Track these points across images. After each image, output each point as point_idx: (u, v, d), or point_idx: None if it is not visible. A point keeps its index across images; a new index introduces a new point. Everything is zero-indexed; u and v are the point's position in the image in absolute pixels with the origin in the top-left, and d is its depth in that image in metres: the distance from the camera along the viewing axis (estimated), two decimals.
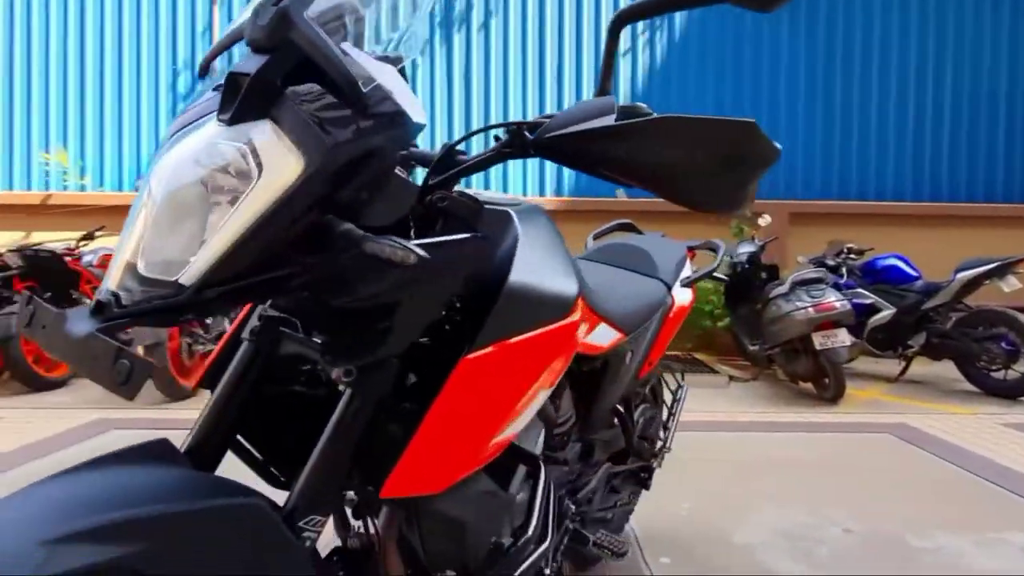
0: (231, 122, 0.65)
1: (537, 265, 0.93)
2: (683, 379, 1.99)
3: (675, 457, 1.89)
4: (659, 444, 1.81)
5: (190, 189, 0.63)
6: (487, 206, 0.97)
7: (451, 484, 0.80)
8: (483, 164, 0.85)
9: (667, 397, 1.90)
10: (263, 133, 0.64)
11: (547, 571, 1.19)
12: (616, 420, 1.55)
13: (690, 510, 2.25)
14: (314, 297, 0.72)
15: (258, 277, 0.64)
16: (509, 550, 1.01)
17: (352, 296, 0.71)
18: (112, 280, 0.64)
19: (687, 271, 1.77)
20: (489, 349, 0.82)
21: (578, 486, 1.37)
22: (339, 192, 0.66)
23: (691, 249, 1.86)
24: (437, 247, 0.75)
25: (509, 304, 0.86)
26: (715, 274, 1.94)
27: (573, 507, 1.32)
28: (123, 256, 0.64)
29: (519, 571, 1.04)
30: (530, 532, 1.04)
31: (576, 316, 0.97)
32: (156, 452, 0.74)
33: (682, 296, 1.71)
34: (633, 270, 1.61)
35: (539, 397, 0.93)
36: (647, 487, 1.79)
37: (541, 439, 1.22)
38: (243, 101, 0.64)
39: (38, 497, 0.60)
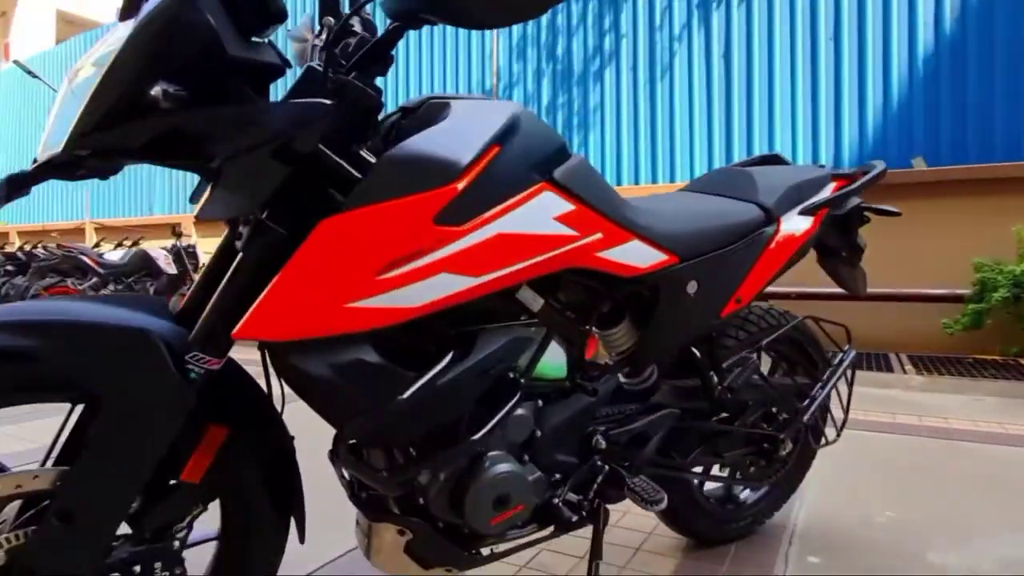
0: (122, 20, 0.79)
1: (435, 138, 0.89)
2: (850, 342, 1.58)
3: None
4: (806, 419, 1.48)
5: (82, 75, 0.79)
6: (432, 100, 0.98)
7: (296, 337, 0.82)
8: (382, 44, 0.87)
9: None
10: (127, 26, 0.77)
11: (558, 499, 1.11)
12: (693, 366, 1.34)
13: (892, 520, 1.76)
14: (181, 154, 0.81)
15: (115, 130, 0.75)
16: (447, 444, 0.97)
17: (208, 153, 0.79)
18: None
19: (821, 197, 1.42)
20: (351, 212, 0.82)
21: (625, 427, 1.22)
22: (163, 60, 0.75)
23: (843, 176, 1.48)
24: (282, 107, 0.79)
25: (383, 170, 0.84)
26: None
27: (604, 443, 1.18)
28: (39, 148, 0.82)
29: (484, 477, 0.99)
30: (478, 436, 0.98)
31: (461, 184, 0.89)
32: (147, 303, 0.93)
33: (795, 224, 1.38)
34: (723, 195, 1.37)
35: (441, 280, 0.88)
36: (777, 466, 1.49)
37: (561, 361, 1.13)
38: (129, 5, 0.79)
39: None
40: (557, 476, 1.14)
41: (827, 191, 1.44)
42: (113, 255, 6.72)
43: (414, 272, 0.86)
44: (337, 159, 0.85)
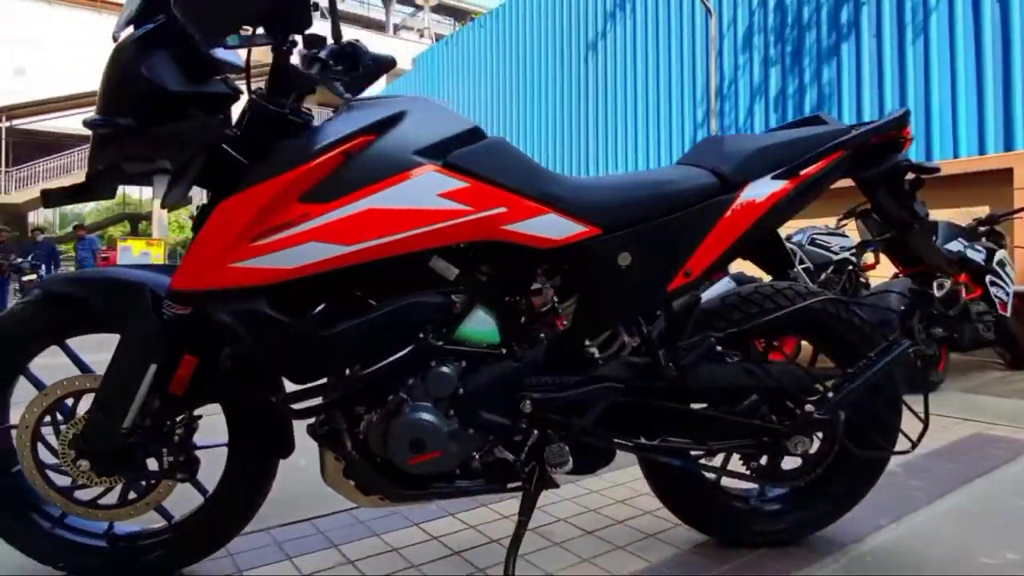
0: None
1: (310, 131, 1.08)
2: (905, 333, 1.29)
3: None
4: (819, 415, 1.27)
5: None
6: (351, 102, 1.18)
7: (197, 289, 1.08)
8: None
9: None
10: None
11: (479, 455, 1.20)
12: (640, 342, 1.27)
13: (1007, 564, 1.37)
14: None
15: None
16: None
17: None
18: None
19: (807, 156, 1.21)
20: (237, 194, 1.06)
21: (555, 394, 1.23)
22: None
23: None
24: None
25: (261, 159, 1.07)
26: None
27: (530, 407, 1.21)
28: None
29: (401, 421, 1.14)
30: (370, 369, 1.14)
31: (316, 161, 1.06)
32: (169, 269, 1.30)
33: (760, 190, 1.20)
34: (688, 164, 1.26)
35: (311, 247, 1.06)
36: (805, 467, 1.32)
37: (489, 328, 1.22)
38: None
39: None
40: (490, 436, 1.23)
41: (830, 152, 1.22)
42: None
43: (284, 240, 1.06)
44: (239, 157, 1.10)
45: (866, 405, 1.34)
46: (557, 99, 9.41)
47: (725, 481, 1.42)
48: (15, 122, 28.11)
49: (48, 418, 1.26)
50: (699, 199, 1.19)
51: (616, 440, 1.27)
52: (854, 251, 3.85)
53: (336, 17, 1.36)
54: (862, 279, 4.20)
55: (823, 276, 3.95)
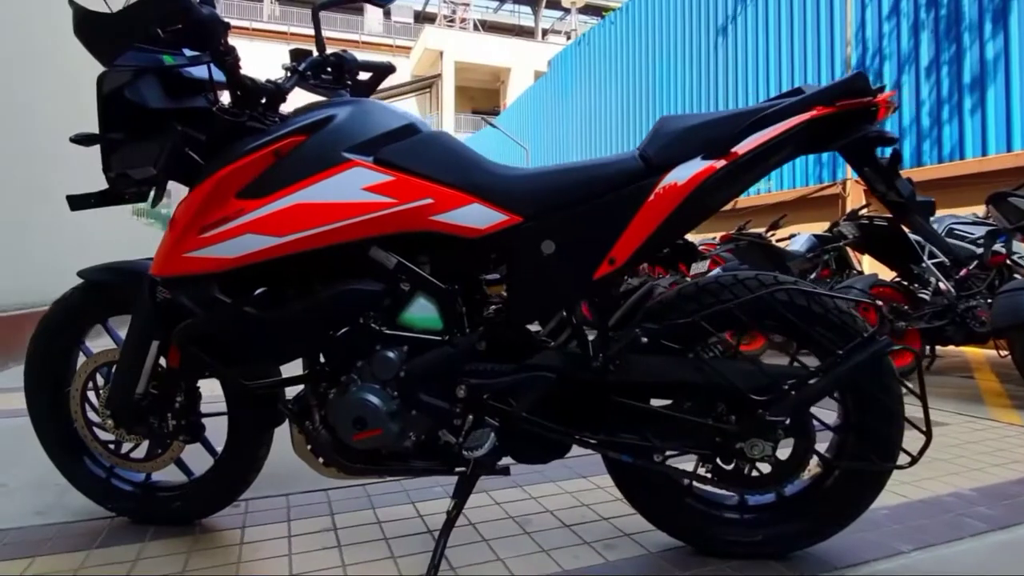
0: None
1: (253, 134, 1.19)
2: (882, 325, 1.10)
3: None
4: (769, 416, 1.14)
5: None
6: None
7: (163, 275, 1.23)
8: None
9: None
10: None
11: (414, 436, 1.25)
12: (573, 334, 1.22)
13: None
14: None
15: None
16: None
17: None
18: None
19: (754, 138, 1.07)
20: (190, 191, 1.19)
21: (487, 381, 1.23)
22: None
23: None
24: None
25: (210, 160, 1.19)
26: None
27: (464, 393, 1.23)
28: None
29: (344, 399, 1.22)
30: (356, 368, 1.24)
31: (246, 160, 1.17)
32: None
33: (683, 171, 1.08)
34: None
35: (248, 239, 1.16)
36: (778, 472, 1.20)
37: (430, 314, 1.27)
38: None
39: None
40: (431, 418, 1.26)
41: (774, 125, 1.08)
42: None
43: (224, 233, 1.18)
44: (198, 159, 1.24)
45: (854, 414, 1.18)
46: (688, 88, 9.01)
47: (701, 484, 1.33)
48: None
49: (91, 385, 1.52)
50: (622, 185, 1.13)
51: (557, 431, 1.24)
52: (986, 241, 3.29)
53: (319, 31, 1.48)
54: (1016, 275, 3.56)
55: (963, 272, 3.41)
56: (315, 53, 1.50)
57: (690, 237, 4.84)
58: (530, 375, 1.21)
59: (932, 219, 3.59)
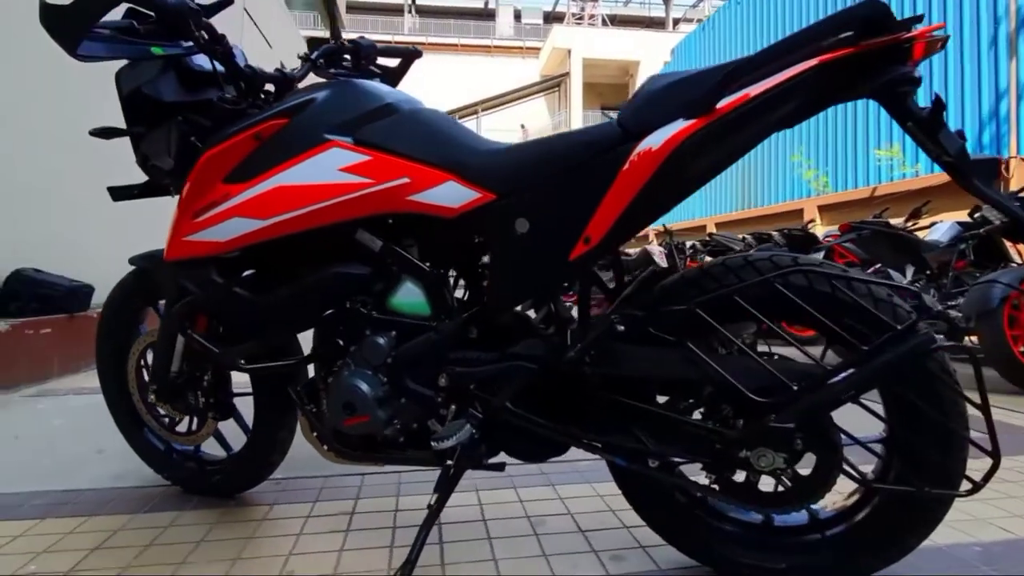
0: None
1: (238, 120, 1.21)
2: (926, 317, 0.86)
3: None
4: (778, 423, 0.94)
5: None
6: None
7: (169, 259, 1.27)
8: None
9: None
10: None
11: (398, 423, 1.21)
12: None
13: None
14: None
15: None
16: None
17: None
18: None
19: (745, 92, 0.88)
20: (187, 177, 1.23)
21: (468, 369, 1.15)
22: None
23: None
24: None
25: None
26: None
27: (446, 381, 1.16)
28: None
29: (335, 383, 1.21)
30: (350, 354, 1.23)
31: (227, 143, 1.19)
32: None
33: (661, 135, 0.91)
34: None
35: (235, 222, 1.17)
36: (797, 487, 1.02)
37: (417, 299, 1.22)
38: None
39: None
40: (418, 406, 1.21)
41: (774, 75, 0.87)
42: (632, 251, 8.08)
43: (214, 217, 1.20)
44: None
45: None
46: None
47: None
48: None
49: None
50: (598, 154, 0.99)
51: (545, 426, 1.13)
52: None
53: (334, 18, 1.49)
54: None
55: None
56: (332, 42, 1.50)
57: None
58: (510, 365, 1.12)
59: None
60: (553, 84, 31.58)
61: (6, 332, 2.99)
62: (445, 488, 1.18)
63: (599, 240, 0.99)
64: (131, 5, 1.12)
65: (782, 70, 0.88)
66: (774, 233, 5.26)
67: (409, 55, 1.65)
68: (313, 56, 1.45)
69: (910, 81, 0.85)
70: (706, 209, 11.24)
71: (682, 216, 11.96)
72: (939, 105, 0.88)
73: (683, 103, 0.93)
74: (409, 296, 1.21)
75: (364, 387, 1.18)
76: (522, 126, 30.99)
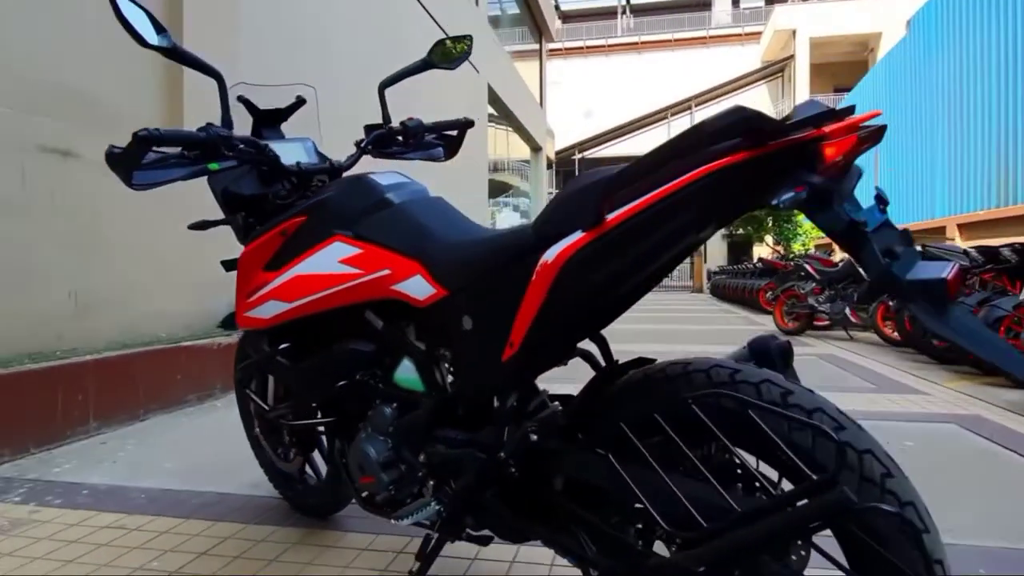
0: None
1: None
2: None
3: None
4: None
5: None
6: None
7: (239, 327, 1.50)
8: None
9: None
10: None
11: (391, 492, 1.33)
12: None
13: None
14: None
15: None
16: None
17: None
18: None
19: (637, 203, 0.77)
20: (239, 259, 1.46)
21: (438, 450, 1.20)
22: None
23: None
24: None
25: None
26: None
27: (424, 458, 1.23)
28: None
29: (353, 444, 1.37)
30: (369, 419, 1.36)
31: (261, 239, 1.37)
32: None
33: (555, 248, 0.84)
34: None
35: (272, 304, 1.36)
36: None
37: (413, 376, 1.33)
38: None
39: None
40: (409, 477, 1.30)
41: (668, 181, 0.75)
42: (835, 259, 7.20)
43: (258, 299, 1.41)
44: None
45: None
46: None
47: None
48: (585, 154, 35.73)
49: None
50: (516, 259, 0.97)
51: (505, 515, 1.14)
52: None
53: (384, 106, 1.63)
54: None
55: None
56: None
57: None
58: (463, 452, 1.15)
59: None
60: (776, 70, 28.98)
61: (217, 349, 3.75)
62: (426, 558, 1.25)
63: (519, 346, 0.98)
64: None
65: (680, 175, 0.79)
66: (1004, 249, 4.26)
67: (462, 125, 1.74)
68: (363, 144, 1.61)
69: (817, 191, 0.70)
70: (949, 206, 9.39)
71: (920, 215, 10.20)
72: (881, 201, 0.71)
73: (577, 212, 0.88)
74: (406, 372, 1.30)
75: (371, 451, 1.31)
76: None
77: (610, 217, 0.84)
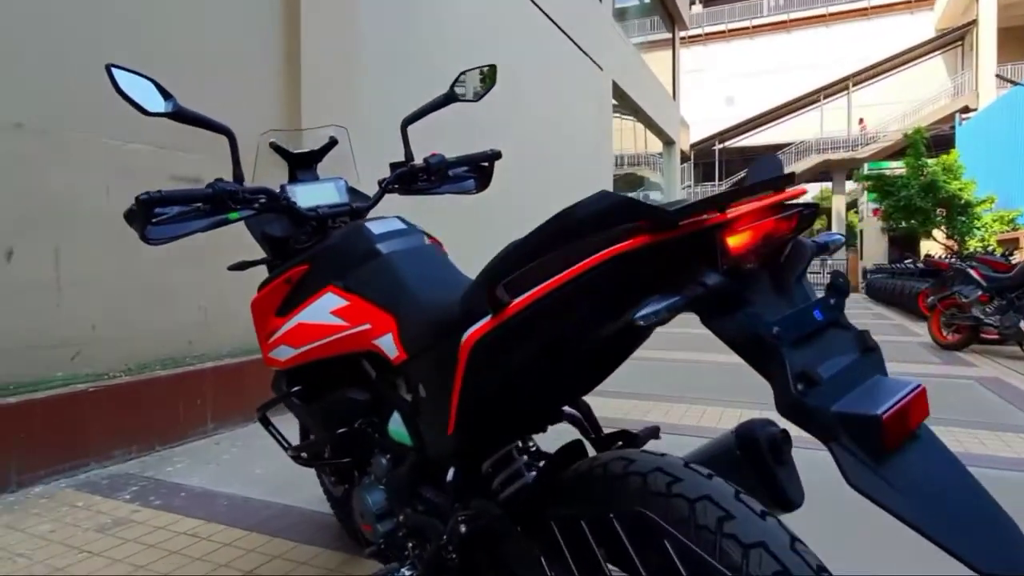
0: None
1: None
2: None
3: None
4: None
5: None
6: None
7: (268, 366, 1.54)
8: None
9: None
10: None
11: (380, 541, 1.31)
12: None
13: None
14: None
15: None
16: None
17: None
18: None
19: (539, 287, 0.63)
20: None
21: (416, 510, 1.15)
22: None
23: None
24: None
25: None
26: None
27: (402, 515, 1.18)
28: None
29: (357, 491, 1.38)
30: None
31: (270, 286, 1.39)
32: None
33: (469, 329, 0.74)
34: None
35: (283, 348, 1.38)
36: None
37: (402, 428, 1.30)
38: None
39: None
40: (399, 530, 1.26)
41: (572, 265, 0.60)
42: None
43: (273, 342, 1.43)
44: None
45: None
46: None
47: None
48: (726, 144, 33.82)
49: None
50: (447, 335, 0.88)
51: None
52: None
53: (407, 144, 1.61)
54: None
55: None
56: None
57: None
58: (428, 520, 1.08)
59: None
60: (954, 38, 25.26)
61: None
62: None
63: (455, 422, 0.90)
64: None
65: (580, 259, 0.66)
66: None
67: (489, 157, 1.67)
68: (384, 183, 1.60)
69: (716, 293, 0.54)
70: None
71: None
72: (837, 292, 0.54)
73: (484, 293, 0.77)
74: (396, 425, 1.26)
75: (368, 500, 1.29)
76: (860, 120, 25.74)
77: (515, 301, 0.73)
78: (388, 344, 1.13)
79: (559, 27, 8.67)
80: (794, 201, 0.54)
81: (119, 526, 2.10)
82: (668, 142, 16.88)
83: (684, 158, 22.86)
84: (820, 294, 0.64)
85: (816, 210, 0.54)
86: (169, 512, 2.23)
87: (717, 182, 33.31)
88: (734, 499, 0.68)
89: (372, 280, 1.21)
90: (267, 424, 1.62)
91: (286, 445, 1.62)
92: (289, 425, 1.69)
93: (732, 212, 0.54)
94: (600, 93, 10.86)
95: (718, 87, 35.79)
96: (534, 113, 7.77)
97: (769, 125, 32.48)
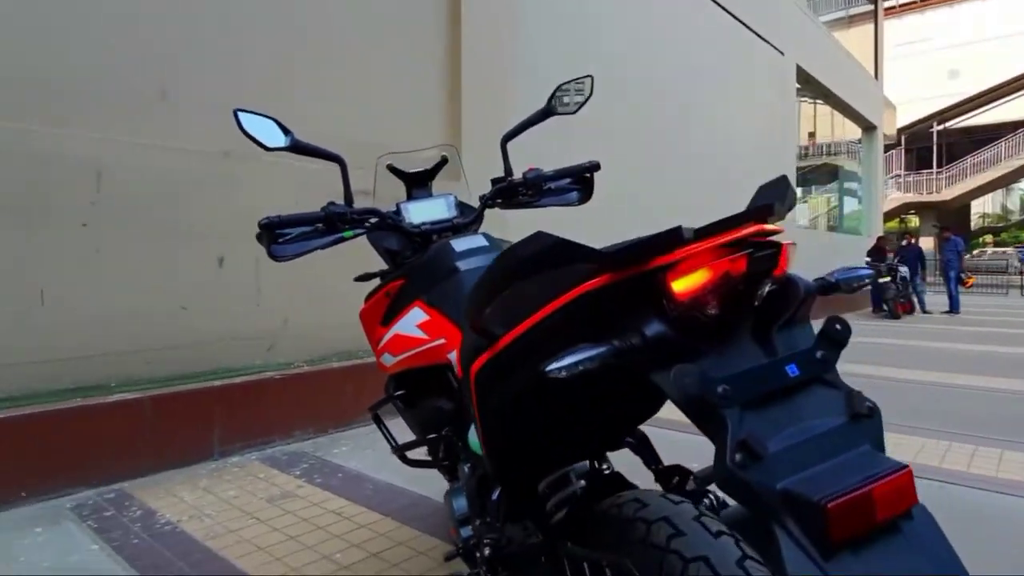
0: None
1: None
2: None
3: None
4: None
5: None
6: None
7: (380, 370, 1.65)
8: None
9: None
10: None
11: (459, 547, 1.36)
12: None
13: None
14: None
15: None
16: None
17: None
18: None
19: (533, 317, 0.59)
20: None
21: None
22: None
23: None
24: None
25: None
26: None
27: (470, 526, 1.21)
28: None
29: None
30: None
31: (374, 298, 1.48)
32: None
33: (475, 359, 0.70)
34: None
35: (388, 355, 1.47)
36: None
37: (475, 436, 1.34)
38: None
39: None
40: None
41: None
42: None
43: (381, 348, 1.53)
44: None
45: None
46: None
47: None
48: (948, 124, 28.98)
49: None
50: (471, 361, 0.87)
51: None
52: None
53: (507, 159, 1.65)
54: None
55: None
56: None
57: None
58: (476, 540, 1.09)
59: None
60: None
61: None
62: None
63: (484, 444, 0.90)
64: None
65: (556, 295, 0.62)
66: None
67: (588, 168, 1.63)
68: (485, 199, 1.63)
69: (653, 345, 0.48)
70: None
71: None
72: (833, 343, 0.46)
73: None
74: (472, 435, 1.30)
75: (452, 504, 1.35)
76: None
77: (505, 334, 0.71)
78: (455, 359, 1.16)
79: (733, 15, 8.11)
80: (773, 237, 0.45)
81: (285, 498, 2.42)
82: (867, 127, 14.91)
83: (891, 143, 20.02)
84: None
85: (781, 251, 0.45)
86: (325, 490, 2.50)
87: (935, 170, 28.68)
88: (735, 565, 0.60)
89: (450, 296, 1.26)
90: (379, 422, 1.74)
91: (393, 444, 1.74)
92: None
93: (680, 252, 0.47)
94: (782, 79, 9.94)
95: (937, 60, 30.81)
96: (720, 104, 7.41)
97: (1001, 101, 27.20)
